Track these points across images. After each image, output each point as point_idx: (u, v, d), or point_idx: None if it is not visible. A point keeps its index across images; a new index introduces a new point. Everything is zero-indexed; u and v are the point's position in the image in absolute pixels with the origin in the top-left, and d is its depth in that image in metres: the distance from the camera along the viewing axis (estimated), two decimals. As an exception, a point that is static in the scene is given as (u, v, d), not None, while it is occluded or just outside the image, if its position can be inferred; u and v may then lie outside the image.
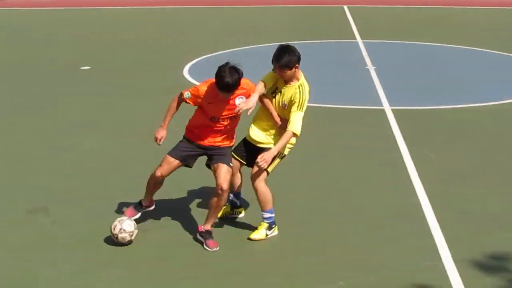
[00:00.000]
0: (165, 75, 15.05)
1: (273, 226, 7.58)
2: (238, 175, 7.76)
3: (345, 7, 24.54)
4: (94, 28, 22.28)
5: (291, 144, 7.50)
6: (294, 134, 7.31)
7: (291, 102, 7.34)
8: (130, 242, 7.27)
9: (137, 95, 13.63)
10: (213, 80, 7.20)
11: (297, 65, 7.38)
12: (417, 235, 7.60)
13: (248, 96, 7.27)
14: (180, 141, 7.57)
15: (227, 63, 7.23)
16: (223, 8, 25.44)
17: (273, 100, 7.52)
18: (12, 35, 20.76)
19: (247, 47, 18.10)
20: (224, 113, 7.30)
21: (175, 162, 7.41)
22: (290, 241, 7.48)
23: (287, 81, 7.45)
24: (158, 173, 7.39)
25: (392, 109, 12.28)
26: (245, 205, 8.20)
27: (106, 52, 18.04)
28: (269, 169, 7.43)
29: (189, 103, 7.47)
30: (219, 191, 7.17)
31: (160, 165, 7.43)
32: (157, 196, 7.76)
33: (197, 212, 8.15)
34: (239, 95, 7.29)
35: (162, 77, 14.88)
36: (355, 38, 19.02)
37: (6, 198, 8.64)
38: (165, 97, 13.29)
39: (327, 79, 14.77)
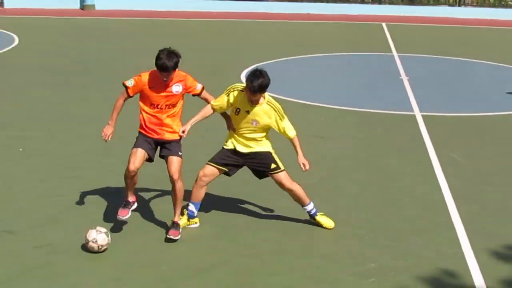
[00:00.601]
0: (226, 77, 15.09)
1: (320, 213, 7.43)
2: (206, 187, 7.31)
3: (383, 24, 24.38)
4: (168, 37, 22.42)
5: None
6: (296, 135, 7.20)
7: (267, 119, 7.06)
8: (96, 252, 6.74)
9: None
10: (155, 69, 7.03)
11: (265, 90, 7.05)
12: (441, 226, 7.59)
13: (184, 85, 7.16)
14: (137, 136, 7.24)
15: (167, 48, 7.20)
16: (275, 22, 25.43)
17: (237, 117, 7.14)
18: (98, 40, 21.06)
19: (295, 57, 18.06)
20: (163, 100, 7.08)
21: (142, 153, 7.09)
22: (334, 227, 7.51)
23: (253, 102, 7.03)
24: (132, 167, 7.01)
25: (422, 115, 12.16)
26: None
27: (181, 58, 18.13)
28: (282, 166, 7.24)
29: (128, 93, 7.21)
30: (172, 181, 7.06)
31: (130, 160, 7.05)
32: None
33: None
34: (176, 82, 7.14)
35: (223, 79, 14.89)
36: (391, 52, 18.88)
37: (84, 182, 8.83)
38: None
39: (365, 87, 14.76)
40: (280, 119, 7.10)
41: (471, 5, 27.83)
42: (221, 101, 7.22)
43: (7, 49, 18.93)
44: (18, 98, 13.11)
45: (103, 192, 8.29)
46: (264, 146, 7.21)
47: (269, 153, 7.24)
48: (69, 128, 11.22)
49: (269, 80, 6.97)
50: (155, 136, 7.15)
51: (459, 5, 27.75)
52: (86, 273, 6.44)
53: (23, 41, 20.23)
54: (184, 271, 6.49)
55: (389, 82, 15.11)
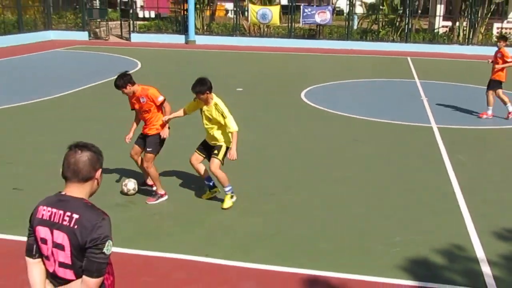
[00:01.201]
0: (289, 97, 15.12)
1: (233, 194, 7.34)
2: (201, 165, 7.37)
3: (409, 58, 23.95)
4: (246, 64, 22.61)
5: (229, 140, 7.25)
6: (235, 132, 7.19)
7: (216, 116, 7.07)
8: (125, 194, 7.47)
9: (270, 107, 13.74)
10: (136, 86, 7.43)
11: (207, 92, 7.04)
12: (451, 211, 7.35)
13: (147, 97, 7.31)
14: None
15: (121, 72, 7.45)
16: (328, 56, 25.28)
17: (202, 116, 7.26)
18: (198, 66, 21.35)
19: (342, 81, 17.89)
20: (136, 106, 7.45)
21: (135, 146, 7.56)
22: (364, 209, 7.37)
23: (206, 104, 7.13)
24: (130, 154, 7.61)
25: (437, 127, 11.84)
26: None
27: (253, 80, 18.24)
28: (220, 157, 7.20)
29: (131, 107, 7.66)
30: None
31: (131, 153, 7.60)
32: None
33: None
34: (142, 95, 7.35)
35: (287, 98, 14.96)
36: (414, 79, 18.48)
37: (187, 166, 8.87)
38: (288, 110, 13.47)
39: (393, 105, 14.46)
40: (224, 117, 7.06)
41: (477, 44, 27.14)
42: (190, 105, 7.49)
43: (132, 71, 19.31)
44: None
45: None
46: (220, 141, 7.26)
47: (221, 145, 7.25)
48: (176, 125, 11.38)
49: (205, 84, 7.04)
50: (143, 131, 7.52)
51: (468, 44, 27.10)
52: (186, 234, 6.50)
53: (144, 66, 20.69)
54: (254, 236, 6.48)
55: (412, 101, 14.77)
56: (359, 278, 5.56)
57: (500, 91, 12.76)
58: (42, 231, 2.86)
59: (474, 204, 7.56)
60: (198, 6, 29.68)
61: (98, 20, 32.86)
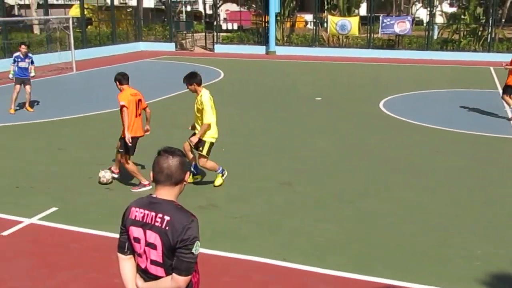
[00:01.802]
0: (367, 106, 14.88)
1: (223, 173, 8.06)
2: (189, 153, 8.01)
3: (491, 68, 22.91)
4: (325, 74, 22.49)
5: (213, 137, 7.85)
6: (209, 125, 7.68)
7: (200, 107, 7.64)
8: (105, 184, 8.11)
9: (348, 117, 13.59)
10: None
11: (195, 83, 7.63)
12: (536, 226, 6.92)
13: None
14: None
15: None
16: (406, 66, 24.67)
17: (195, 107, 7.80)
18: (278, 75, 21.49)
19: (422, 91, 17.37)
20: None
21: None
22: (444, 220, 7.09)
23: (196, 93, 7.70)
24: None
25: (522, 138, 11.27)
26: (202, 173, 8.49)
27: (332, 90, 18.13)
28: (204, 152, 7.76)
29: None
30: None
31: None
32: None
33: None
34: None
35: (365, 108, 14.73)
36: (497, 89, 17.63)
37: (267, 172, 8.96)
38: (367, 120, 13.25)
39: (475, 115, 13.85)
40: (203, 108, 7.59)
41: None
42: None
43: (216, 80, 19.81)
44: (220, 112, 13.62)
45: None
46: (205, 136, 7.77)
47: (204, 141, 7.77)
48: (252, 134, 11.51)
49: (192, 77, 7.65)
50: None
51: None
52: (264, 237, 6.53)
53: (226, 75, 21.07)
54: (331, 243, 6.40)
55: (496, 112, 14.09)
56: (438, 289, 5.36)
57: None
58: (135, 231, 2.98)
59: (562, 219, 7.09)
60: (278, 18, 29.90)
61: (184, 32, 33.92)
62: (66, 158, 9.74)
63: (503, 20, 29.48)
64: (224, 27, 37.73)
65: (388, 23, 28.02)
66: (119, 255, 3.10)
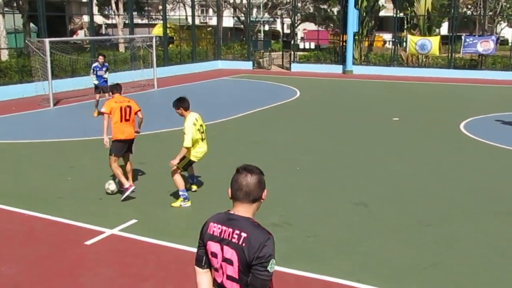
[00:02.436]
0: (447, 127, 14.41)
1: (186, 201, 8.00)
2: (191, 167, 8.36)
3: None
4: (403, 94, 22.02)
5: (195, 156, 7.99)
6: (187, 148, 7.77)
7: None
8: (110, 194, 8.56)
9: (427, 138, 13.19)
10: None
11: (181, 107, 7.81)
12: None
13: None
14: None
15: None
16: (489, 87, 23.68)
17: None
18: (354, 95, 21.28)
19: (507, 113, 16.58)
20: None
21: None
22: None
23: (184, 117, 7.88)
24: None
25: None
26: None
27: (410, 110, 17.69)
28: (179, 164, 7.90)
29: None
30: None
31: None
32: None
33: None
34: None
35: (445, 129, 14.27)
36: None
37: (342, 192, 8.85)
38: (446, 141, 12.81)
39: None
40: (184, 132, 7.74)
41: None
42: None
43: (292, 99, 19.89)
44: (296, 131, 13.69)
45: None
46: (188, 154, 7.95)
47: (185, 157, 7.91)
48: (327, 153, 11.42)
49: (180, 102, 7.85)
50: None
51: None
52: (339, 257, 6.41)
53: (302, 94, 21.10)
54: (408, 267, 6.19)
55: None
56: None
57: None
58: (213, 246, 3.03)
59: None
60: (356, 37, 29.68)
61: (262, 51, 34.40)
62: (147, 171, 10.07)
63: None
64: (301, 46, 37.94)
65: (470, 42, 27.10)
66: (197, 268, 3.15)
